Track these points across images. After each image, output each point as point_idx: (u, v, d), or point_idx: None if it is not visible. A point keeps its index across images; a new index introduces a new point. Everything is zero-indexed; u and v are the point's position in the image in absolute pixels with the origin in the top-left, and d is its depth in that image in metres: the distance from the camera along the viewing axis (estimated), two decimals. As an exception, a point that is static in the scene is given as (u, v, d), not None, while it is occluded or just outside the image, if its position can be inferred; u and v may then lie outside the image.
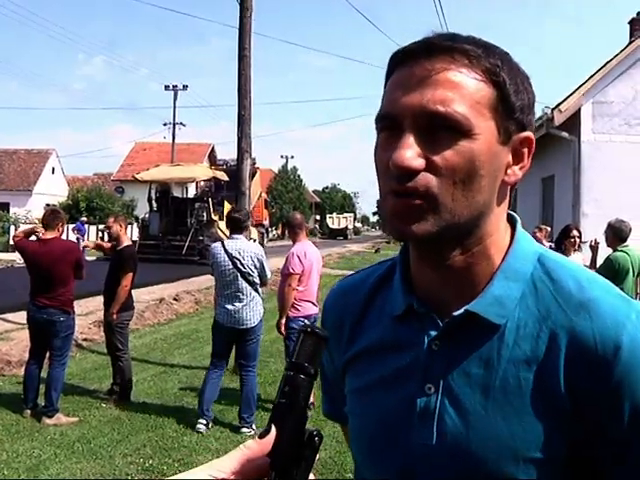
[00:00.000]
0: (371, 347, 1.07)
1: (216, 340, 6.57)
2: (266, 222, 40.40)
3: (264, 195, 37.98)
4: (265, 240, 39.08)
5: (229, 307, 6.28)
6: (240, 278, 6.26)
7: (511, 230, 1.05)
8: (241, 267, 6.24)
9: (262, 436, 0.72)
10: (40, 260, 6.50)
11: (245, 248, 6.31)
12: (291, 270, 6.66)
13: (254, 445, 0.72)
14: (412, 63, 0.94)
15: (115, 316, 7.08)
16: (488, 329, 0.96)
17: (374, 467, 1.04)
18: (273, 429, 0.72)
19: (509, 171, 0.98)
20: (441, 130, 0.91)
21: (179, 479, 0.71)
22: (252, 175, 31.98)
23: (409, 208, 0.92)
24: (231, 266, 6.24)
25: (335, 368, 1.16)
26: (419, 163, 0.91)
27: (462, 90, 0.91)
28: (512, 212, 1.07)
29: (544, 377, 0.93)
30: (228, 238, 6.50)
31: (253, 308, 6.32)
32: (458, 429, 0.95)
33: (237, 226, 6.46)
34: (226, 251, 6.26)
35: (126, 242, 7.39)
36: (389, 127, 0.95)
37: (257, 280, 6.37)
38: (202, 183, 31.27)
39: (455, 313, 0.97)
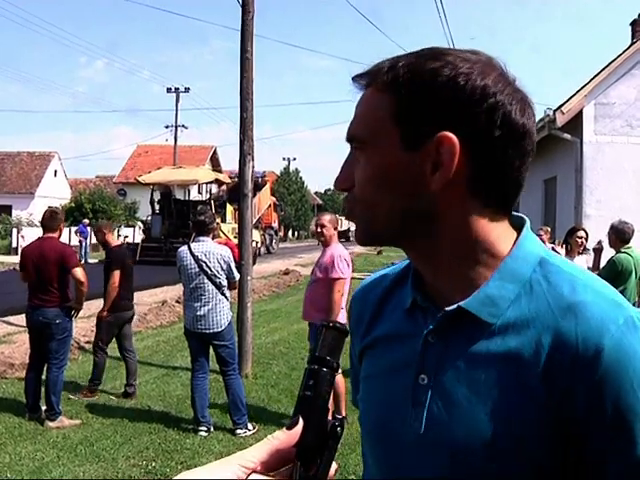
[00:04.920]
0: (382, 337, 1.13)
1: (189, 346, 6.61)
2: (275, 224, 40.64)
3: (273, 199, 38.37)
4: (274, 242, 39.32)
5: (195, 312, 6.24)
6: (207, 280, 6.22)
7: (517, 233, 1.05)
8: (207, 269, 6.20)
9: (290, 427, 0.74)
10: (33, 260, 6.52)
11: (211, 250, 6.27)
12: (340, 275, 5.99)
13: (282, 436, 0.74)
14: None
15: (105, 314, 7.30)
16: (479, 326, 0.99)
17: (373, 452, 1.10)
18: (300, 420, 0.74)
19: (432, 177, 0.97)
20: (357, 150, 1.03)
21: (211, 469, 0.72)
22: (262, 186, 32.69)
23: (353, 219, 1.06)
24: (197, 269, 6.21)
25: (356, 357, 1.23)
26: (345, 184, 1.05)
27: (364, 109, 1.03)
28: (520, 214, 1.07)
29: (526, 375, 0.94)
30: (194, 241, 6.47)
31: (219, 312, 6.26)
32: (443, 420, 0.98)
33: (202, 229, 6.43)
34: (192, 254, 6.23)
35: (114, 243, 7.73)
36: None
37: (224, 282, 6.32)
38: (214, 189, 31.56)
39: (447, 308, 1.00)
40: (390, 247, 1.15)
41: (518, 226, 1.06)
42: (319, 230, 6.20)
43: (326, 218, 6.27)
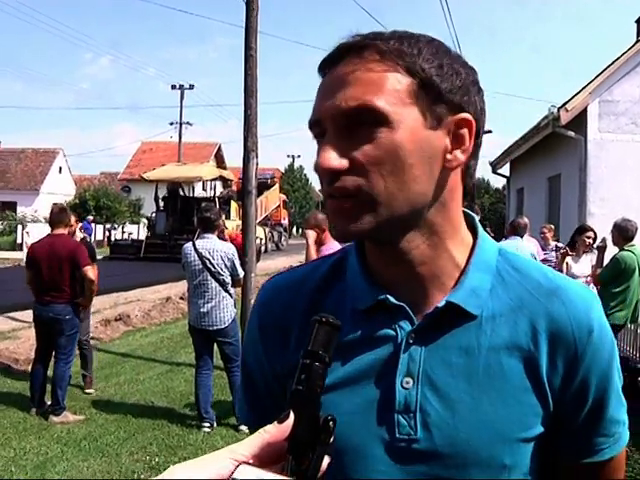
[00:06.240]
0: None
1: (193, 342, 6.65)
2: (284, 221, 40.78)
3: (283, 196, 38.58)
4: (283, 238, 39.46)
5: (199, 308, 6.27)
6: (210, 277, 6.23)
7: (470, 227, 1.06)
8: (211, 266, 6.22)
9: (281, 421, 0.73)
10: (45, 258, 6.55)
11: (215, 247, 6.28)
12: None
13: (273, 429, 0.73)
14: (329, 70, 0.96)
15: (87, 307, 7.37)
16: (466, 319, 0.98)
17: (348, 471, 0.99)
18: (291, 414, 0.74)
19: (449, 156, 0.95)
20: (360, 126, 0.91)
21: (201, 462, 0.71)
22: (271, 186, 32.91)
23: (344, 209, 0.94)
24: (201, 265, 6.22)
25: (275, 374, 1.08)
26: (340, 163, 0.91)
27: (375, 83, 0.91)
28: (467, 210, 1.07)
29: (528, 361, 0.97)
30: (199, 238, 6.48)
31: (223, 309, 6.28)
32: (444, 419, 0.95)
33: (208, 226, 6.42)
34: (196, 251, 6.25)
35: (81, 236, 7.91)
36: (318, 134, 0.96)
37: (228, 280, 6.33)
38: (219, 186, 31.75)
39: (439, 305, 0.98)
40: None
41: (467, 220, 1.06)
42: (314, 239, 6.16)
43: (310, 222, 6.21)
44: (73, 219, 7.79)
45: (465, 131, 0.96)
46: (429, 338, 0.98)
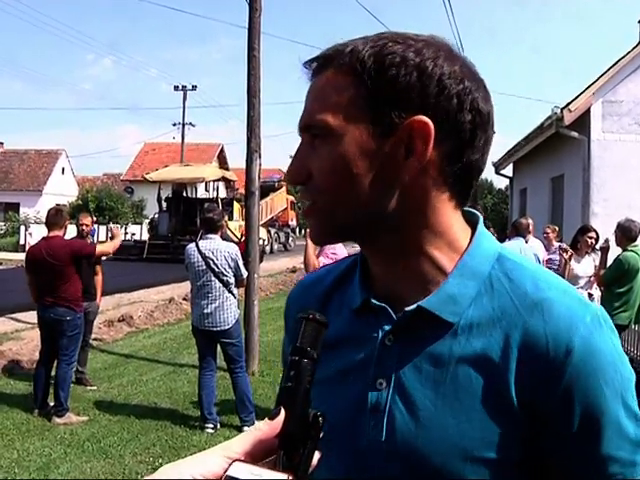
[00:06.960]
0: (328, 340, 1.01)
1: (197, 343, 6.66)
2: (292, 222, 40.87)
3: (291, 197, 38.71)
4: (290, 239, 39.59)
5: (203, 309, 6.27)
6: (214, 278, 6.23)
7: (473, 229, 1.03)
8: (214, 267, 6.21)
9: (272, 418, 0.74)
10: (42, 258, 6.56)
11: (219, 248, 6.27)
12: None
13: (265, 426, 0.74)
14: (309, 85, 1.01)
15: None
16: (441, 326, 0.95)
17: (325, 461, 1.00)
18: (282, 411, 0.75)
19: (405, 161, 0.93)
20: (316, 139, 0.97)
21: (194, 460, 0.72)
22: (278, 189, 33.22)
23: (307, 216, 1.02)
24: (204, 266, 6.22)
25: None
26: (300, 176, 0.99)
27: (325, 99, 0.96)
28: (473, 210, 1.05)
29: (495, 377, 0.91)
30: (202, 238, 6.48)
31: (226, 310, 6.28)
32: (407, 425, 0.94)
33: (211, 226, 6.43)
34: (200, 251, 6.24)
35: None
36: None
37: (232, 280, 6.33)
38: (222, 187, 31.81)
39: (407, 308, 0.96)
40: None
41: (472, 221, 1.04)
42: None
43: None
44: (89, 220, 8.00)
45: (421, 134, 0.92)
46: (406, 342, 0.97)
